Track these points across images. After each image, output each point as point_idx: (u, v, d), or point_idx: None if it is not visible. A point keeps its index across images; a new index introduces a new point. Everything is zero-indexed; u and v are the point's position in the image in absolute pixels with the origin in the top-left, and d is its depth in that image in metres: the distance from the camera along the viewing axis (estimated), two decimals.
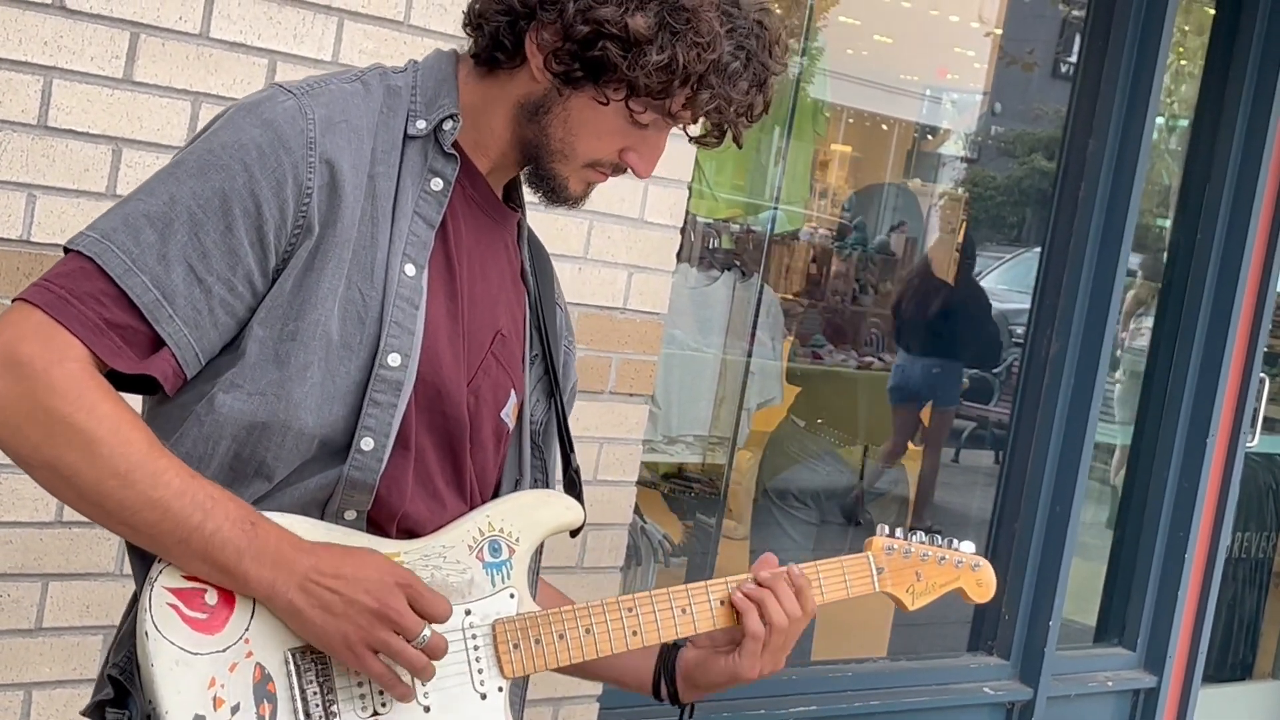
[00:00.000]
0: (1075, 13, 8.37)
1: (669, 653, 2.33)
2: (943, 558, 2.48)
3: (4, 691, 2.91)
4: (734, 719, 4.43)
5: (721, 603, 2.27)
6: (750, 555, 5.84)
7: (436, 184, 2.12)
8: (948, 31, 7.59)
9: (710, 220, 6.18)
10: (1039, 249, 10.96)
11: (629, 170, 2.18)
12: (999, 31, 7.73)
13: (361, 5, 3.11)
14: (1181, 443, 5.57)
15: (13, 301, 1.95)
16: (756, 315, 6.01)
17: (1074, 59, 9.09)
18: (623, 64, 2.05)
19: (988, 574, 2.51)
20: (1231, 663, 6.90)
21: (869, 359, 7.44)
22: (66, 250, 1.99)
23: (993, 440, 8.71)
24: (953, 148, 9.35)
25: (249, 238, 1.99)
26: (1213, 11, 5.58)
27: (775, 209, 6.39)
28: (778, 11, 2.18)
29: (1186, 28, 5.35)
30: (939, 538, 2.49)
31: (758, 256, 6.26)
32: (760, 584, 2.27)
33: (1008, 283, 11.07)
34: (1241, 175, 5.50)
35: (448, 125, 2.13)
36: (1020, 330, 10.32)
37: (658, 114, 2.10)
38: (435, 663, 2.07)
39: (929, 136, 9.10)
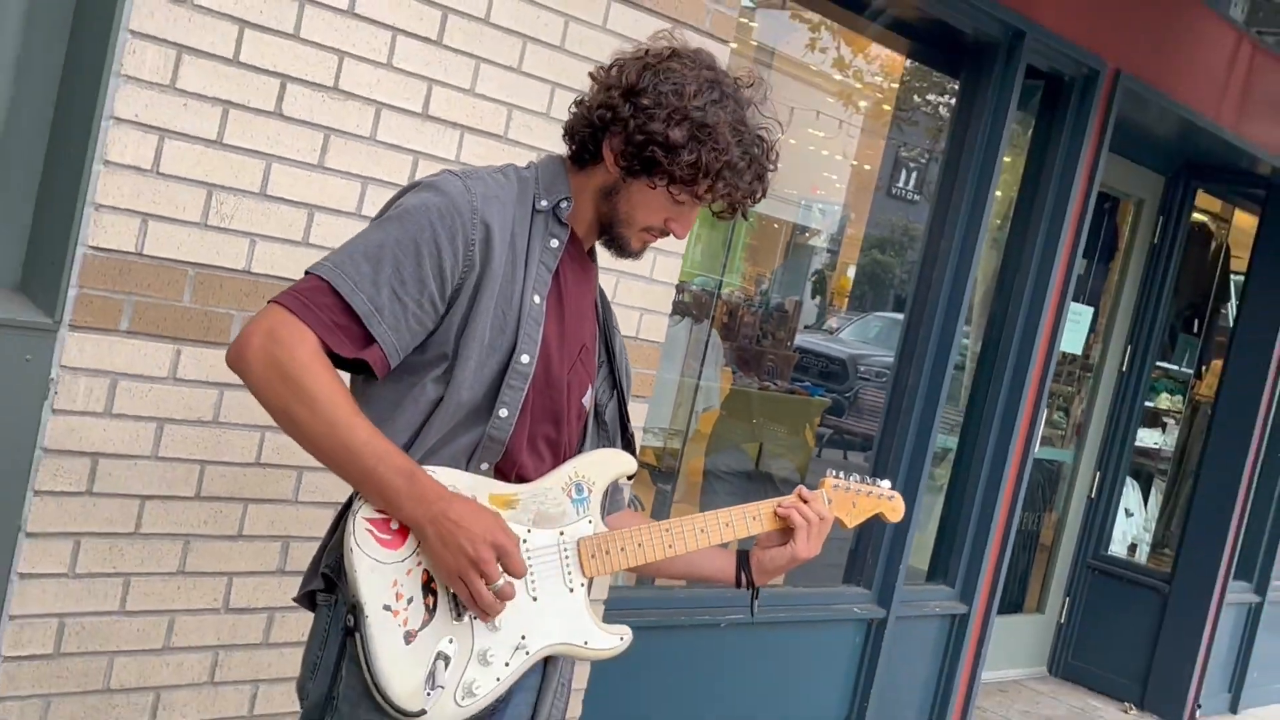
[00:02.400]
0: (905, 153, 8.49)
1: (742, 555, 2.41)
2: (870, 491, 2.53)
3: (214, 578, 2.93)
4: (689, 621, 4.47)
5: (767, 515, 2.38)
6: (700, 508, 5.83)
7: (554, 243, 2.20)
8: (819, 161, 7.61)
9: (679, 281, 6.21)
10: (877, 314, 11.09)
11: (670, 234, 2.26)
12: (854, 163, 7.77)
13: (476, 123, 3.15)
14: (991, 449, 5.62)
15: (268, 303, 2.03)
16: (705, 349, 6.05)
17: (906, 184, 9.24)
18: (665, 162, 2.14)
19: (899, 502, 2.57)
20: (1011, 600, 6.98)
21: (766, 383, 7.50)
22: (307, 273, 2.06)
23: (842, 443, 8.80)
24: (818, 241, 9.48)
25: (433, 272, 2.06)
26: (1024, 159, 5.68)
27: (721, 278, 6.44)
28: (777, 126, 2.26)
29: (1008, 158, 5.42)
30: (868, 478, 2.57)
31: (708, 309, 6.28)
32: (787, 499, 2.39)
33: (857, 335, 11.22)
34: (1040, 266, 5.57)
35: (564, 205, 2.21)
36: (864, 368, 10.52)
37: (690, 196, 2.19)
38: (540, 565, 2.13)
39: (804, 233, 9.19)
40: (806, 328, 10.04)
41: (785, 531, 2.39)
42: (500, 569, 2.01)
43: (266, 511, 2.98)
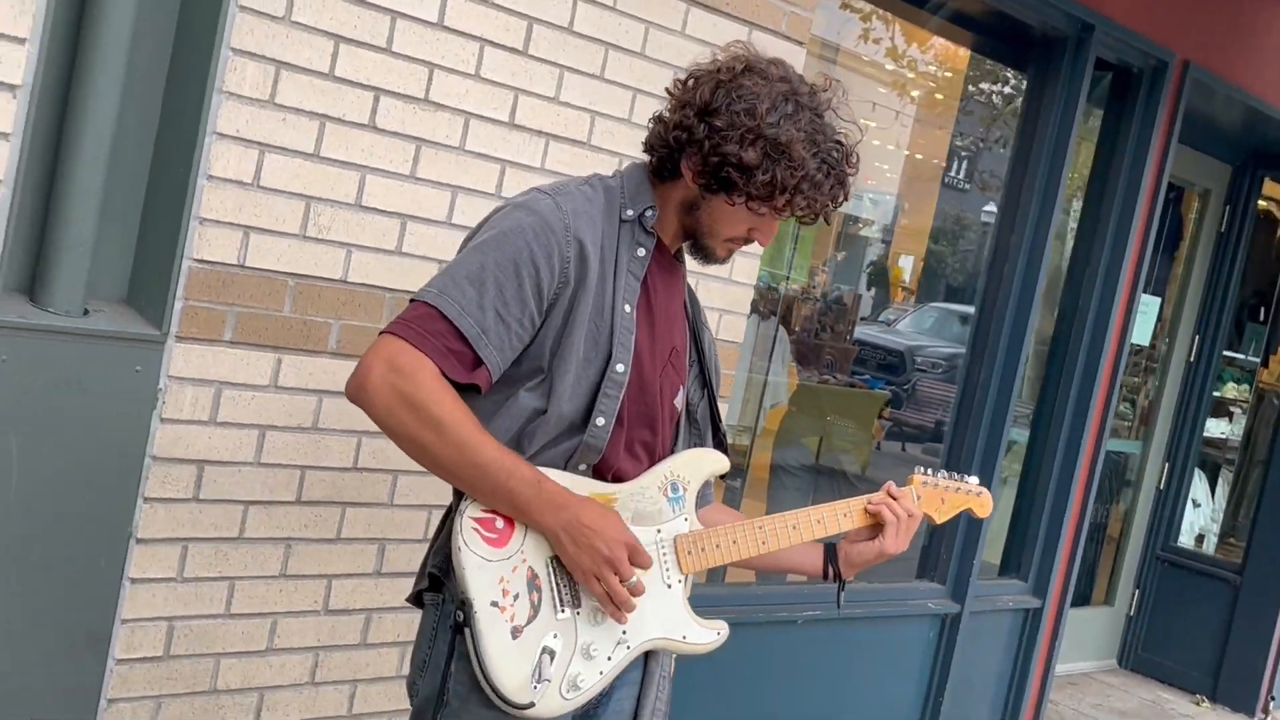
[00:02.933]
0: (959, 143, 8.42)
1: (830, 549, 2.44)
2: (958, 487, 2.55)
3: (314, 581, 3.00)
4: (766, 617, 4.51)
5: (857, 511, 2.40)
6: (768, 503, 5.87)
7: (641, 252, 2.23)
8: (871, 151, 7.52)
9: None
10: (932, 304, 11.02)
11: (755, 242, 2.28)
12: (907, 153, 7.74)
13: (561, 130, 3.19)
14: (1064, 442, 5.61)
15: (381, 333, 2.08)
16: (773, 345, 6.06)
17: (959, 174, 9.13)
18: (740, 183, 2.17)
19: (987, 498, 2.59)
20: (1079, 592, 6.93)
21: (826, 377, 7.49)
22: (413, 301, 2.11)
23: (901, 435, 8.76)
24: (870, 232, 9.43)
25: (532, 291, 2.11)
26: (1093, 150, 5.66)
27: (787, 274, 6.44)
28: (856, 129, 2.28)
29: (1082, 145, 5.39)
30: (955, 474, 2.58)
31: (774, 305, 6.29)
32: (877, 496, 2.41)
33: (913, 326, 11.18)
34: (1111, 258, 5.55)
35: (649, 214, 2.24)
36: (921, 359, 10.48)
37: (770, 210, 2.22)
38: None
39: (856, 223, 9.15)
40: (863, 320, 10.02)
41: (874, 527, 2.42)
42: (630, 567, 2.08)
43: (363, 515, 3.04)
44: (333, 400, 2.93)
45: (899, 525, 2.40)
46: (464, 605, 2.05)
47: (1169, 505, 7.49)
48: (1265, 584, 7.17)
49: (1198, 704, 7.20)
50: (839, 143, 2.22)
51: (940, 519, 2.55)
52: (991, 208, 7.56)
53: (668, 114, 2.25)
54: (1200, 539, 8.07)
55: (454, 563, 2.08)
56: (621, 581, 2.08)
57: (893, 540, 2.40)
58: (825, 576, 2.46)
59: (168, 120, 2.68)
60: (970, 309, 6.52)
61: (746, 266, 3.68)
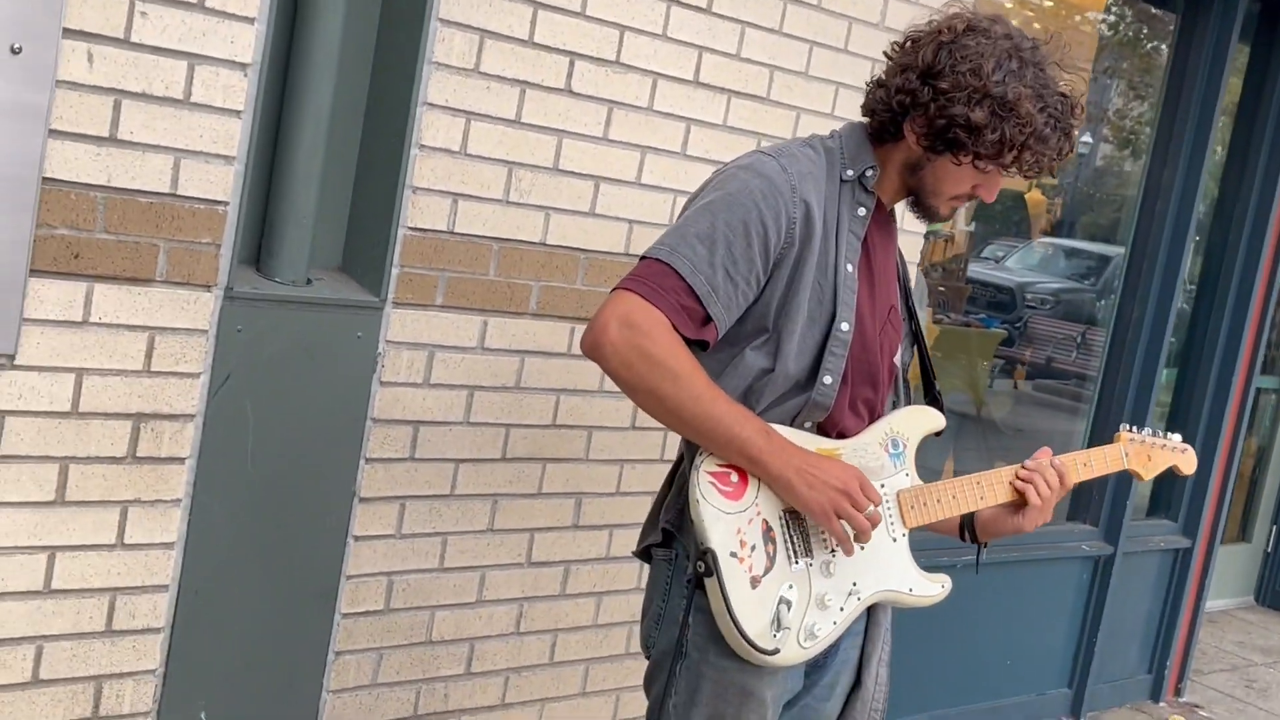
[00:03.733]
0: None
1: (967, 516, 2.45)
2: (1164, 444, 2.56)
3: (518, 534, 3.09)
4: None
5: (1008, 483, 2.38)
6: None
7: (861, 211, 2.25)
8: None
9: None
10: (1041, 240, 10.85)
11: (979, 199, 2.30)
12: None
13: (741, 86, 3.21)
14: (1214, 379, 5.54)
15: (614, 290, 2.10)
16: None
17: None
18: (969, 143, 2.17)
19: (1191, 455, 2.60)
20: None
21: (940, 317, 7.44)
22: (644, 258, 2.14)
23: (1013, 374, 8.68)
24: None
25: (760, 251, 2.13)
26: (1242, 81, 5.55)
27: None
28: (1080, 80, 2.27)
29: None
30: (1160, 431, 2.58)
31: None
32: (1030, 469, 2.38)
33: (1021, 263, 11.07)
34: (1262, 191, 5.45)
35: (869, 173, 2.26)
36: (1030, 296, 10.36)
37: (997, 167, 2.23)
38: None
39: None
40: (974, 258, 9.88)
41: (1020, 500, 2.40)
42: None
43: (562, 470, 3.12)
44: (533, 360, 3.00)
45: (1044, 508, 2.38)
46: (705, 556, 2.09)
47: None
48: None
49: None
50: (1063, 96, 2.21)
51: (1147, 475, 2.56)
52: (1088, 138, 7.41)
53: (887, 77, 2.25)
54: None
55: (692, 515, 2.13)
56: (859, 511, 2.12)
57: (1032, 520, 2.39)
58: (961, 537, 2.49)
59: (378, 93, 2.74)
60: (1079, 243, 6.39)
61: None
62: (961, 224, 10.25)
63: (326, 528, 2.77)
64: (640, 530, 2.39)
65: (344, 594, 2.83)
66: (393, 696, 2.97)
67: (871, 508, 2.15)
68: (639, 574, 3.32)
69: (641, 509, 3.28)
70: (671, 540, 2.27)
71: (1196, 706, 5.66)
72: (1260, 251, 5.43)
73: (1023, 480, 2.38)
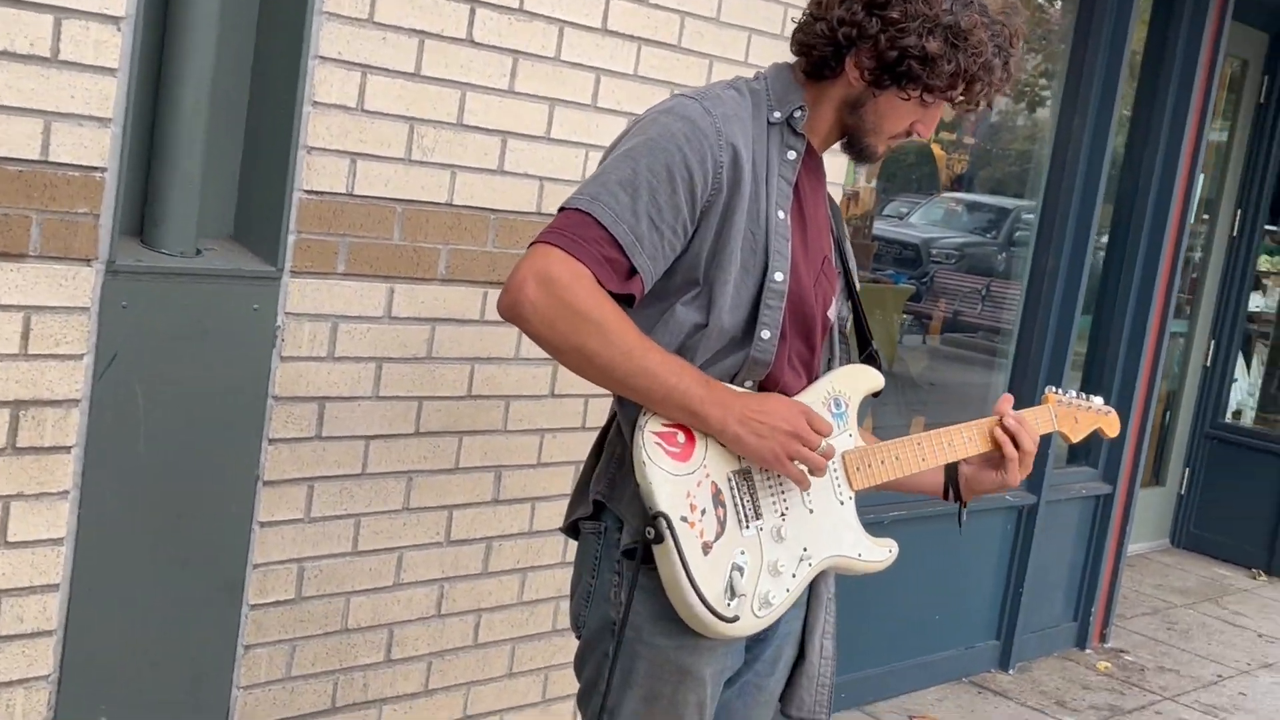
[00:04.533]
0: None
1: (952, 470, 2.35)
2: (1088, 407, 2.49)
3: (435, 512, 2.93)
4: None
5: (983, 436, 2.29)
6: None
7: (791, 155, 2.12)
8: None
9: None
10: (945, 195, 10.91)
11: (916, 136, 2.19)
12: None
13: (651, 34, 3.07)
14: (1129, 326, 5.52)
15: (532, 244, 1.95)
16: None
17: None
18: (923, 75, 2.06)
19: (1114, 418, 2.54)
20: None
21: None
22: (564, 209, 1.99)
23: (921, 329, 8.68)
24: None
25: (685, 197, 2.00)
26: (1148, 26, 5.52)
27: None
28: (1017, 7, 2.17)
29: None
30: (1082, 393, 2.51)
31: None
32: (1008, 425, 2.29)
33: (924, 218, 11.09)
34: (1170, 138, 5.42)
35: (798, 114, 2.13)
36: (935, 251, 10.39)
37: (944, 101, 2.12)
38: (814, 480, 2.11)
39: None
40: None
41: (997, 455, 2.32)
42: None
43: (480, 443, 2.97)
44: (444, 328, 2.84)
45: (1023, 460, 2.30)
46: (655, 521, 1.95)
47: (1216, 382, 7.45)
48: None
49: (1254, 578, 7.21)
50: (1002, 23, 2.11)
51: (1075, 438, 2.50)
52: None
53: (823, 10, 2.11)
54: (1238, 414, 8.04)
55: (638, 478, 1.98)
56: (811, 449, 2.01)
57: (1015, 475, 2.30)
58: (945, 496, 2.39)
59: (266, 46, 2.56)
60: (981, 197, 6.38)
61: (836, 165, 3.56)
62: (864, 181, 10.24)
63: (229, 515, 2.59)
64: (567, 504, 2.25)
65: (251, 584, 2.66)
66: (308, 689, 2.80)
67: (824, 442, 2.04)
68: (564, 547, 3.18)
69: (564, 480, 3.15)
70: (600, 512, 2.13)
71: (1122, 651, 5.67)
72: (1170, 196, 5.41)
73: (1004, 431, 2.28)
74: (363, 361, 2.72)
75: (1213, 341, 7.44)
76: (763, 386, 2.12)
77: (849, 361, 2.31)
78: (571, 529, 2.22)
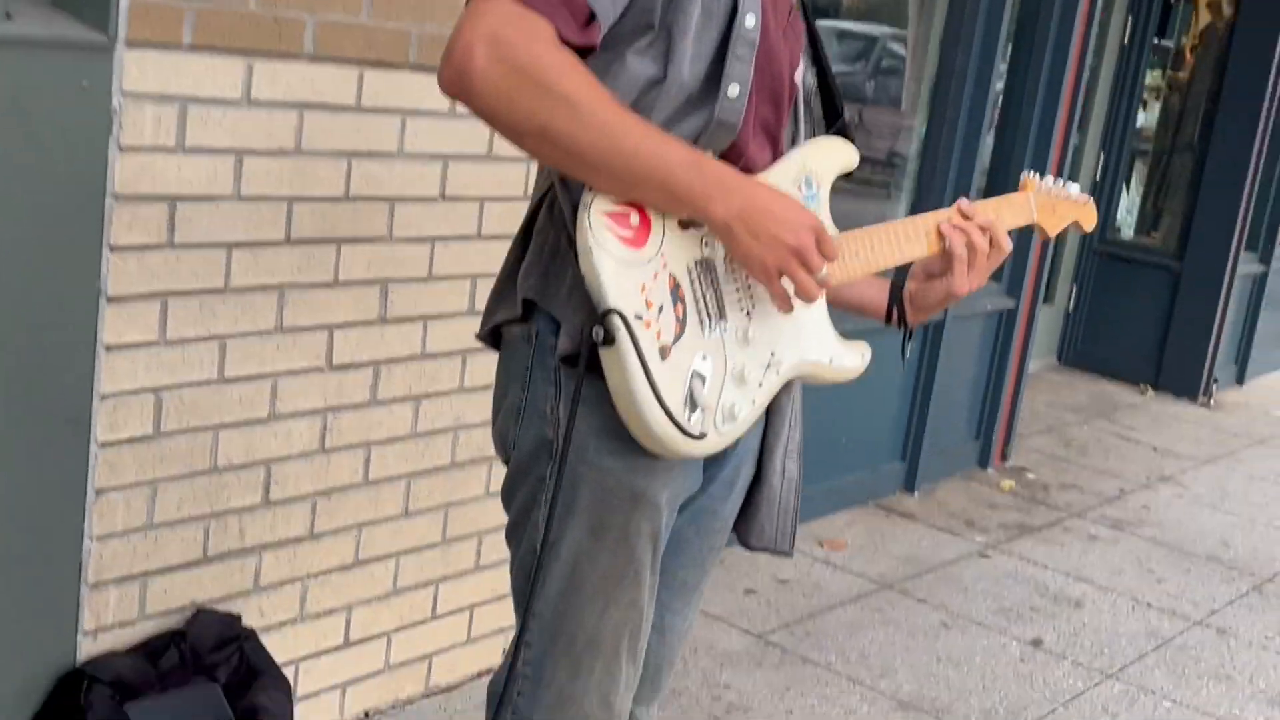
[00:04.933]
0: None
1: (896, 288, 1.98)
2: (1067, 196, 2.15)
3: (313, 333, 2.55)
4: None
5: (929, 233, 1.91)
6: None
7: None
8: None
9: None
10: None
11: None
12: None
13: None
14: (1032, 141, 5.26)
15: (469, 2, 1.53)
16: None
17: None
18: None
19: (1092, 208, 2.17)
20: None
21: None
22: None
23: None
24: None
25: None
26: None
27: None
28: None
29: None
30: (1061, 179, 2.18)
31: None
32: (958, 222, 1.91)
33: None
34: None
35: None
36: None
37: None
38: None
39: None
40: None
41: (946, 257, 1.95)
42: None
43: (362, 252, 2.58)
44: (315, 115, 2.42)
45: (972, 259, 1.90)
46: (605, 319, 1.60)
47: (1105, 198, 7.31)
48: (1205, 269, 7.12)
49: (1142, 393, 7.20)
50: None
51: (1051, 231, 2.12)
52: None
53: None
54: (1118, 229, 7.95)
55: (584, 269, 1.62)
56: (810, 273, 1.66)
57: (962, 279, 1.90)
58: (888, 320, 2.02)
59: None
60: (848, 24, 6.12)
61: None
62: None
63: (68, 338, 2.18)
64: (485, 307, 1.86)
65: (100, 418, 2.26)
66: (175, 537, 2.43)
67: (824, 270, 1.67)
68: (462, 372, 2.83)
69: (460, 296, 2.78)
70: (530, 313, 1.76)
71: (1024, 469, 5.56)
72: (1076, 4, 5.14)
73: (952, 227, 1.89)
74: (219, 154, 2.30)
75: (1102, 154, 7.28)
76: (727, 157, 1.75)
77: (819, 135, 1.95)
78: (492, 336, 1.84)
